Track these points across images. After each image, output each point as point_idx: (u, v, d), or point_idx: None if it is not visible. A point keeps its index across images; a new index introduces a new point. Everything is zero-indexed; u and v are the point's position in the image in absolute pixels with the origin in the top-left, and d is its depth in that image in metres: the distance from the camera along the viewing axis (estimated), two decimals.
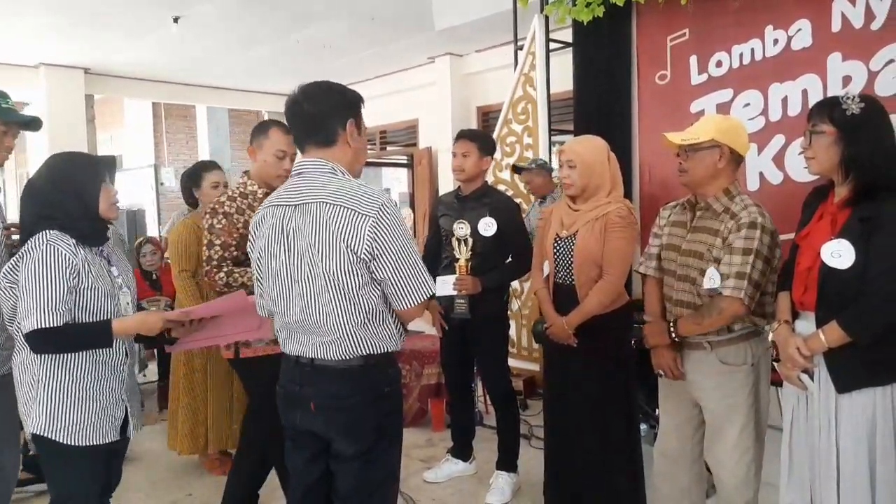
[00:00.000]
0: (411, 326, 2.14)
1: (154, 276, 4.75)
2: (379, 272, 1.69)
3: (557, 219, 2.60)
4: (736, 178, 2.22)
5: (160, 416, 4.47)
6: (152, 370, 5.08)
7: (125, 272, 2.14)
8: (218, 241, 2.51)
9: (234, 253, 2.52)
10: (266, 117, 9.92)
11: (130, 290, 2.12)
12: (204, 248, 2.54)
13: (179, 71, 7.66)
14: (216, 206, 2.56)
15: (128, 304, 2.07)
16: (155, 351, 4.93)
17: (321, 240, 1.68)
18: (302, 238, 1.71)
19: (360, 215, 1.65)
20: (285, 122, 1.96)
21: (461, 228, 2.91)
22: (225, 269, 2.51)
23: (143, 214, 9.72)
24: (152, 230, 10.25)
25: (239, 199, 2.58)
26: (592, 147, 2.55)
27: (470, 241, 2.90)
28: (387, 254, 1.67)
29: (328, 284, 1.69)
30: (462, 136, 3.18)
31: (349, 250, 1.66)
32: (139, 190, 11.63)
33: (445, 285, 2.60)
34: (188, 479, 3.48)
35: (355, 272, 1.68)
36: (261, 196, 2.56)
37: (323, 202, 1.69)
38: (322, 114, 1.76)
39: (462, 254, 2.91)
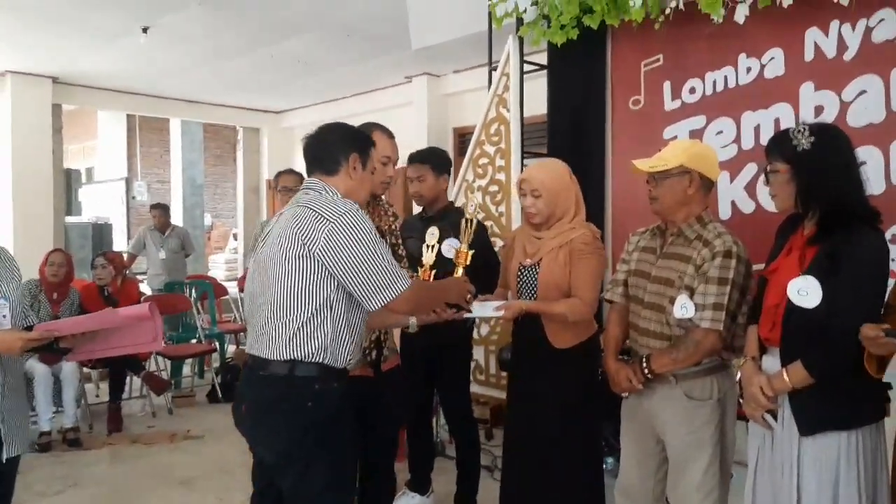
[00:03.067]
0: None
1: (106, 292, 4.58)
2: (343, 278, 1.75)
3: (520, 247, 2.48)
4: (707, 205, 2.16)
5: (108, 440, 4.26)
6: (104, 390, 4.87)
7: (6, 282, 2.07)
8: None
9: None
10: (241, 133, 9.81)
11: (9, 301, 2.03)
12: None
13: (152, 83, 7.53)
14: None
15: (3, 317, 1.99)
16: (110, 370, 4.73)
17: (284, 233, 1.79)
18: (275, 231, 1.84)
19: (321, 218, 1.75)
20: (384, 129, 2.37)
21: (432, 236, 2.71)
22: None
23: (109, 228, 9.49)
24: (120, 244, 10.02)
25: None
26: (556, 173, 2.42)
27: (437, 247, 2.67)
28: (346, 258, 1.74)
29: (278, 272, 1.77)
30: (412, 159, 3.06)
31: (302, 244, 1.75)
32: (109, 203, 11.41)
33: (485, 308, 2.37)
34: None
35: (306, 267, 1.75)
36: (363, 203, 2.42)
37: (302, 206, 1.82)
38: (328, 145, 1.94)
39: (427, 259, 2.58)
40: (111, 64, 6.60)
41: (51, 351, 2.13)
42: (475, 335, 4.51)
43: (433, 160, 3.05)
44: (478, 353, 4.56)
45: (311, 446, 1.76)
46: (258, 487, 2.00)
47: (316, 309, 1.76)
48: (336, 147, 1.92)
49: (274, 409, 1.79)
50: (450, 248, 2.82)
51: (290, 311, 1.76)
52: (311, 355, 1.77)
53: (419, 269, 2.58)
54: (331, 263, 1.74)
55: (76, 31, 5.62)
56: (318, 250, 1.73)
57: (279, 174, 4.30)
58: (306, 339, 1.77)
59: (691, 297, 1.99)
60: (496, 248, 4.21)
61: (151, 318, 2.05)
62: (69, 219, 9.24)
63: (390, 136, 2.40)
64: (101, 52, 6.19)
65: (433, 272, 2.59)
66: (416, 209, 7.24)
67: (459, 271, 2.31)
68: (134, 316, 2.08)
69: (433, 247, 2.58)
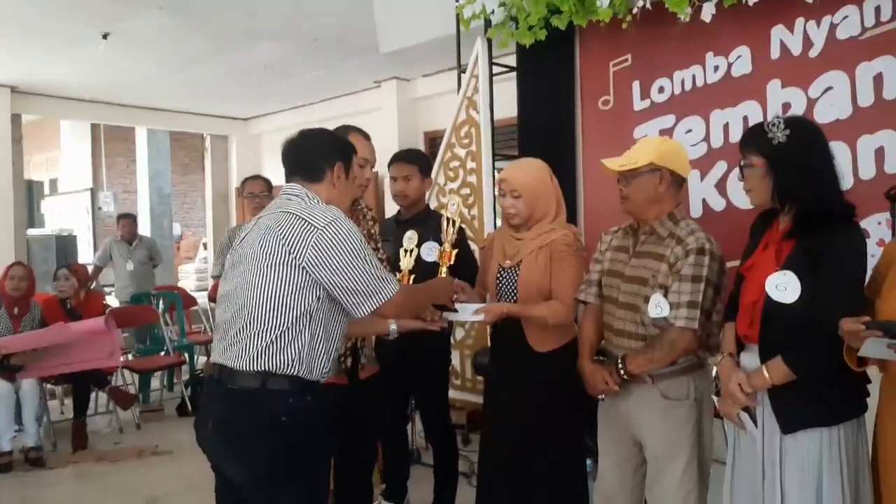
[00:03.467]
0: None
1: (69, 305, 4.43)
2: (331, 286, 1.71)
3: (500, 248, 2.44)
4: (680, 202, 2.13)
5: (72, 458, 4.11)
6: (69, 406, 4.70)
7: None
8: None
9: None
10: (209, 141, 9.64)
11: None
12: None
13: (115, 91, 7.35)
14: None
15: None
16: (73, 385, 4.57)
17: (266, 239, 1.73)
18: (254, 236, 1.78)
19: (309, 226, 1.70)
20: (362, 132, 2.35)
21: (410, 241, 2.60)
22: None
23: (73, 240, 9.25)
24: (86, 256, 9.78)
25: None
26: (536, 173, 2.39)
27: (416, 251, 2.57)
28: (335, 266, 1.70)
29: (258, 280, 1.71)
30: (400, 158, 3.02)
31: (287, 252, 1.70)
32: (74, 214, 11.14)
33: (465, 312, 2.30)
34: None
35: (288, 276, 1.70)
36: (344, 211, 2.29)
37: (285, 212, 1.77)
38: (312, 152, 1.90)
39: (405, 265, 2.54)
40: (72, 72, 6.43)
41: (2, 368, 2.05)
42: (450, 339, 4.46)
43: (421, 161, 3.03)
44: (453, 358, 4.50)
45: (286, 466, 1.67)
46: None
47: (295, 318, 1.70)
48: (320, 155, 1.89)
49: (245, 427, 1.70)
50: (429, 251, 2.76)
51: (267, 320, 1.69)
52: (284, 367, 1.69)
53: (397, 274, 2.52)
54: (318, 272, 1.69)
55: (33, 39, 5.45)
56: (305, 259, 1.68)
57: (245, 180, 4.22)
58: (282, 349, 1.69)
59: (665, 295, 1.96)
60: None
61: (107, 333, 1.95)
62: (31, 231, 8.99)
63: (367, 138, 2.36)
64: (61, 59, 6.02)
65: (412, 277, 2.52)
66: (389, 213, 7.18)
67: (443, 271, 2.29)
68: (88, 331, 1.98)
69: (411, 251, 2.51)
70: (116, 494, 3.56)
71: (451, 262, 2.30)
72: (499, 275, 2.41)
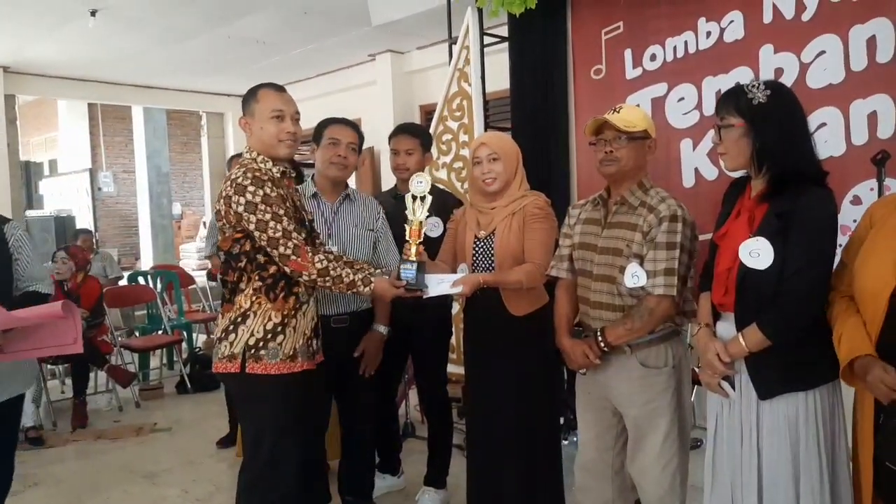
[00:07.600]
0: None
1: (65, 287, 4.44)
2: None
3: (473, 220, 2.43)
4: (647, 172, 2.12)
5: (72, 437, 4.15)
6: (70, 385, 4.73)
7: None
8: (282, 211, 2.03)
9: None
10: (204, 118, 9.59)
11: None
12: (270, 222, 2.01)
13: (109, 69, 7.28)
14: (257, 175, 2.04)
15: None
16: (71, 365, 4.60)
17: None
18: None
19: None
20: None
21: (419, 185, 2.26)
22: (323, 252, 2.11)
23: (72, 221, 9.26)
24: None
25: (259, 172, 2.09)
26: (508, 140, 2.45)
27: (429, 198, 2.25)
28: None
29: None
30: (403, 130, 2.97)
31: None
32: (73, 195, 11.14)
33: (442, 284, 2.19)
34: None
35: None
36: (276, 174, 2.11)
37: None
38: None
39: (417, 214, 2.24)
40: (63, 50, 6.38)
41: None
42: None
43: (423, 136, 2.98)
44: (451, 335, 4.50)
45: None
46: None
47: None
48: None
49: None
50: (433, 227, 2.71)
51: None
52: None
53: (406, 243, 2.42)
54: None
55: (21, 17, 5.39)
56: None
57: (232, 158, 4.16)
58: None
59: (641, 264, 1.94)
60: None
61: (66, 319, 1.88)
62: (30, 213, 9.02)
63: (278, 89, 2.17)
64: (51, 38, 5.96)
65: (422, 226, 2.26)
66: (384, 187, 7.09)
67: (413, 248, 2.16)
68: (41, 315, 1.91)
69: (424, 199, 2.23)
70: (115, 471, 3.60)
71: (421, 238, 2.19)
72: (475, 245, 2.41)
